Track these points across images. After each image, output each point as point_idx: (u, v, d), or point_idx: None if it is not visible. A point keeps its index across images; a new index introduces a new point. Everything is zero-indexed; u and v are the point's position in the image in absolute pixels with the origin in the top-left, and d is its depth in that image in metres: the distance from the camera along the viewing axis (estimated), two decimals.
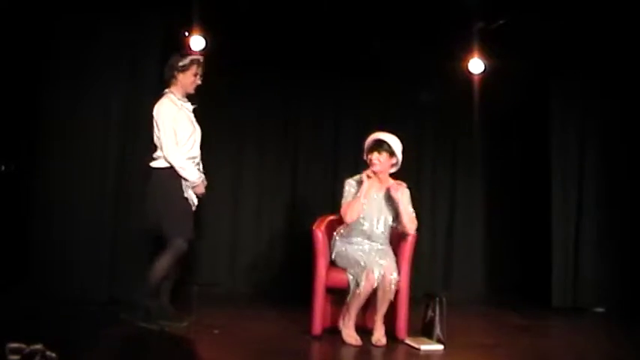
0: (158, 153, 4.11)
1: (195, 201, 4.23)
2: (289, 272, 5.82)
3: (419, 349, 3.95)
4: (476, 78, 5.96)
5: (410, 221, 4.12)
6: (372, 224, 4.15)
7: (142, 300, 4.02)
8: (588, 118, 5.61)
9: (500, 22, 5.43)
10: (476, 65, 5.83)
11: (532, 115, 6.04)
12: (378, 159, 4.08)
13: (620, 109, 5.58)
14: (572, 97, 5.62)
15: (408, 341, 4.07)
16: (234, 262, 6.13)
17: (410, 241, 4.20)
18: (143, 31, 4.91)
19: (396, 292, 4.14)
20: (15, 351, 2.72)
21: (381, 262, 3.98)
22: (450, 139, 6.42)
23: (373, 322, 4.07)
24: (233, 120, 6.17)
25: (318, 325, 4.13)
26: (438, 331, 4.05)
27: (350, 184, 4.20)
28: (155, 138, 4.11)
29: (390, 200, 4.16)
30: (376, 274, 3.90)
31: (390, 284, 3.93)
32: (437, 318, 4.07)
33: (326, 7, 5.17)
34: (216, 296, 5.57)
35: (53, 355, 2.75)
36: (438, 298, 4.12)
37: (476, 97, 6.08)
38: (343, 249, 4.16)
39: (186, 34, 5.51)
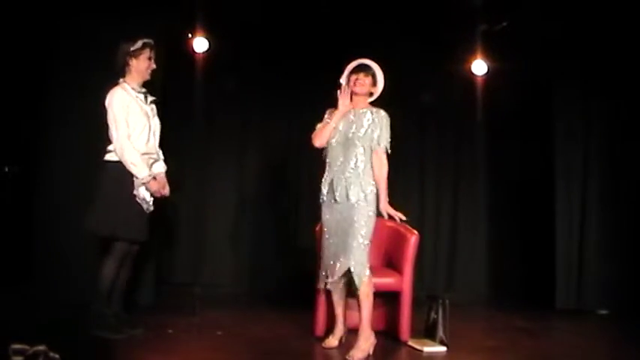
0: (111, 146, 3.89)
1: (149, 199, 3.95)
2: (292, 273, 5.82)
3: (422, 351, 3.94)
4: (479, 79, 5.97)
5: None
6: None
7: (96, 309, 3.85)
8: (591, 119, 5.59)
9: (503, 24, 5.44)
10: (479, 67, 5.83)
11: (535, 117, 6.03)
12: (364, 80, 3.87)
13: (624, 110, 5.56)
14: (575, 98, 5.61)
15: (410, 343, 4.07)
16: (237, 263, 6.13)
17: (413, 242, 4.19)
18: (146, 33, 4.89)
19: (399, 294, 4.13)
20: (18, 352, 2.72)
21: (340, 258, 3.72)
22: (453, 141, 6.41)
23: (377, 323, 4.05)
24: (236, 121, 6.18)
25: (321, 327, 4.13)
26: (440, 333, 4.04)
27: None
28: (109, 130, 3.89)
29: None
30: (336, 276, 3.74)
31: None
32: (440, 320, 4.06)
33: (328, 8, 5.18)
34: (220, 298, 5.58)
35: (56, 356, 2.75)
36: (441, 300, 4.11)
37: (479, 98, 6.08)
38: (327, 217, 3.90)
39: (190, 35, 5.52)
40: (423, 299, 4.33)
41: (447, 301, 4.11)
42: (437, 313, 4.09)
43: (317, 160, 6.26)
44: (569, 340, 4.58)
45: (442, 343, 4.01)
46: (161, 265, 5.47)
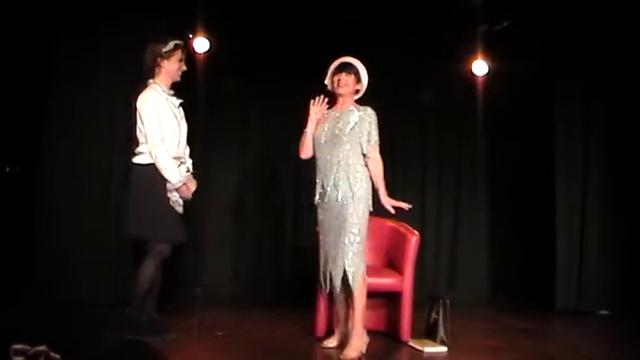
0: (141, 148, 3.82)
1: (181, 202, 3.92)
2: (292, 274, 5.82)
3: (422, 352, 3.94)
4: (479, 79, 5.96)
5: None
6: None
7: (131, 312, 3.80)
8: (593, 119, 5.58)
9: (504, 23, 5.43)
10: (479, 67, 5.83)
11: (536, 117, 6.03)
12: (347, 80, 3.85)
13: (625, 110, 5.56)
14: (576, 98, 5.60)
15: (411, 343, 4.07)
16: (237, 264, 6.13)
17: (413, 243, 4.19)
18: (147, 33, 4.91)
19: (400, 294, 4.13)
20: (19, 352, 2.72)
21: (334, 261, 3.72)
22: (453, 141, 6.41)
23: (378, 324, 4.06)
24: (237, 121, 6.18)
25: (321, 327, 4.12)
26: (441, 333, 4.05)
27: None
28: (138, 132, 3.82)
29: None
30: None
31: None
32: (440, 320, 4.06)
33: (329, 8, 5.18)
34: (220, 298, 5.58)
35: (57, 356, 2.75)
36: (441, 301, 4.11)
37: (479, 98, 6.08)
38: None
39: (191, 35, 5.52)
40: (424, 300, 4.33)
41: (448, 302, 4.12)
42: (437, 313, 4.09)
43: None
44: (569, 341, 4.58)
45: (443, 343, 4.01)
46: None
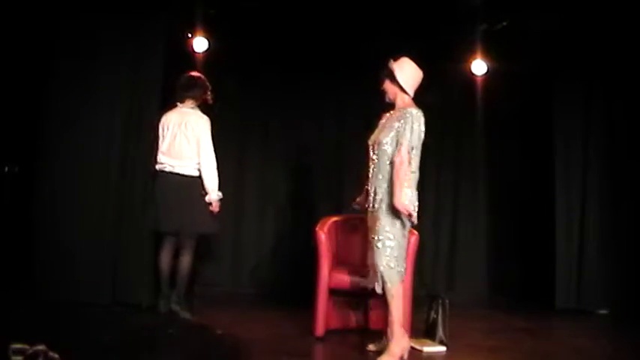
0: (187, 162, 4.53)
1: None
2: (292, 273, 5.81)
3: (421, 351, 3.94)
4: (479, 79, 5.96)
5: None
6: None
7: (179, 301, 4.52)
8: (592, 119, 5.59)
9: (503, 23, 5.43)
10: (478, 67, 5.83)
11: (535, 116, 6.03)
12: (383, 88, 3.86)
13: (624, 109, 5.56)
14: (575, 98, 5.61)
15: (410, 343, 4.06)
16: (237, 262, 6.13)
17: (412, 242, 4.19)
18: (146, 33, 4.91)
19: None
20: (18, 352, 2.73)
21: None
22: (452, 141, 6.41)
23: (379, 324, 4.05)
24: (236, 120, 6.18)
25: (321, 327, 4.12)
26: (440, 332, 4.05)
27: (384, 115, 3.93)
28: (186, 147, 4.52)
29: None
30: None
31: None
32: (439, 320, 4.07)
33: (328, 8, 5.18)
34: (219, 297, 5.58)
35: (56, 356, 2.75)
36: (440, 300, 4.12)
37: (479, 98, 6.08)
38: None
39: (190, 35, 5.52)
40: (423, 299, 4.33)
41: (447, 301, 4.12)
42: (437, 312, 4.10)
43: (316, 160, 6.32)
44: (569, 340, 4.58)
45: (442, 343, 4.02)
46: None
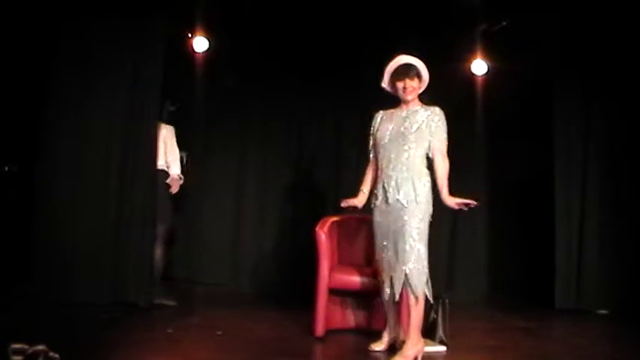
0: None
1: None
2: (292, 273, 5.82)
3: None
4: (479, 79, 5.96)
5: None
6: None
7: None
8: (592, 119, 5.58)
9: (503, 23, 5.44)
10: (479, 66, 5.83)
11: (535, 116, 6.03)
12: (412, 85, 3.72)
13: (624, 110, 5.56)
14: (576, 98, 5.61)
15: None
16: (237, 262, 6.14)
17: None
18: (146, 33, 4.91)
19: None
20: (18, 352, 2.72)
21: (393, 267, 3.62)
22: (453, 141, 6.37)
23: (379, 324, 4.04)
24: (236, 121, 6.18)
25: (321, 327, 4.12)
26: (440, 332, 4.05)
27: (377, 115, 3.88)
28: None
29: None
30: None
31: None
32: (440, 319, 4.07)
33: (328, 8, 5.18)
34: (219, 297, 5.58)
35: (56, 355, 2.75)
36: (441, 300, 4.12)
37: (479, 98, 6.08)
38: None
39: (190, 35, 5.53)
40: None
41: (447, 301, 4.12)
42: (437, 312, 4.10)
43: (316, 159, 6.32)
44: (569, 340, 4.58)
45: (442, 342, 4.02)
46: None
